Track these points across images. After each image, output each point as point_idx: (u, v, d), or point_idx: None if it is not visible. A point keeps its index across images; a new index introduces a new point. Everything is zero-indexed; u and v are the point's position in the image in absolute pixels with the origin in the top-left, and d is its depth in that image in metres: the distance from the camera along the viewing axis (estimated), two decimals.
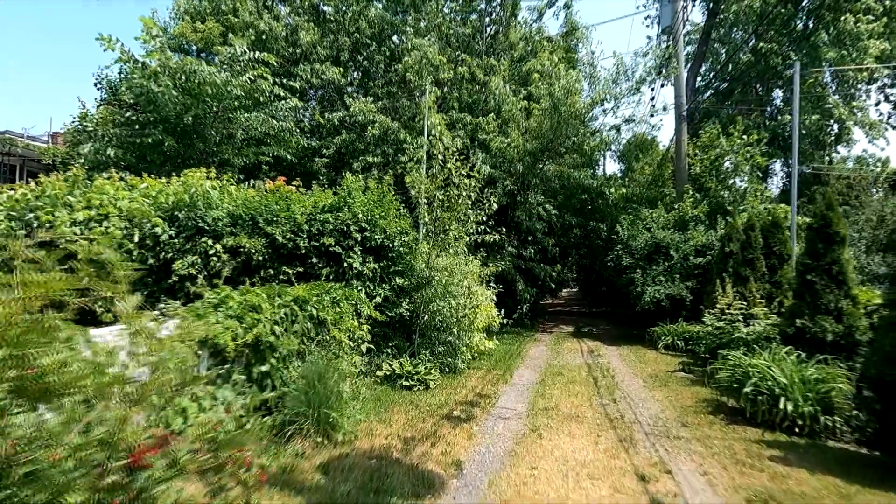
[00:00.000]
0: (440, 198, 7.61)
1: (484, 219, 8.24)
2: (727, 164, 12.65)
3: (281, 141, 11.76)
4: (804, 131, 16.80)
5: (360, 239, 6.93)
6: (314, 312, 5.52)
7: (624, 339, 12.71)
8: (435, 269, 7.54)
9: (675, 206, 12.79)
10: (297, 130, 13.12)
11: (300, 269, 6.77)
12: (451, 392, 6.57)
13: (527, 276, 15.42)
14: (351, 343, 6.15)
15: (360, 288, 6.68)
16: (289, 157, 12.24)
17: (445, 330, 7.87)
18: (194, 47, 16.94)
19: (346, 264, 6.75)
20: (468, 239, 8.34)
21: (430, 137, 9.24)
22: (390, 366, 6.80)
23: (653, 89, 12.62)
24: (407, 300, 7.55)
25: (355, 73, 17.48)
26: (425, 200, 7.53)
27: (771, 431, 5.01)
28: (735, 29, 20.14)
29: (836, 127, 23.00)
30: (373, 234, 6.94)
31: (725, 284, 7.50)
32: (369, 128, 12.40)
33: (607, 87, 11.99)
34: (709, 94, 17.52)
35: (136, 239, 6.30)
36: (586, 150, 13.65)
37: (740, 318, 6.98)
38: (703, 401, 6.15)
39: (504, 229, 14.84)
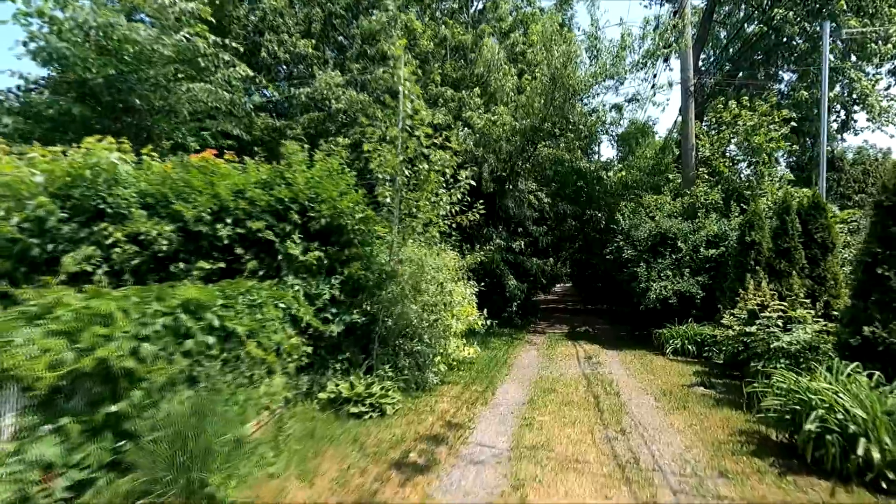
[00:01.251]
0: (407, 174, 6.12)
1: (459, 198, 6.76)
2: (740, 142, 11.24)
3: (232, 116, 10.18)
4: (817, 110, 15.44)
5: (301, 222, 5.43)
6: (219, 322, 4.02)
7: (625, 341, 11.32)
8: (400, 260, 6.06)
9: (687, 192, 11.38)
10: (252, 106, 11.55)
11: (222, 265, 5.24)
12: (412, 420, 5.11)
13: (517, 270, 13.99)
14: (282, 360, 4.67)
15: (297, 287, 5.18)
16: (243, 134, 10.67)
17: (413, 337, 6.40)
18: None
19: (281, 256, 5.25)
20: (442, 225, 6.87)
21: (403, 105, 7.71)
22: (337, 386, 5.32)
23: (654, 65, 11.19)
24: (366, 299, 6.08)
25: (330, 51, 15.89)
26: (388, 177, 6.03)
27: (846, 485, 3.60)
28: (738, 6, 18.73)
29: (842, 113, 21.82)
30: (319, 213, 5.43)
31: (760, 280, 6.07)
32: (333, 102, 10.85)
33: (611, 60, 10.49)
34: (713, 77, 16.08)
35: (13, 222, 4.77)
36: (583, 131, 12.19)
37: (779, 322, 5.56)
38: (740, 433, 4.73)
39: (485, 219, 13.41)
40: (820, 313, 5.70)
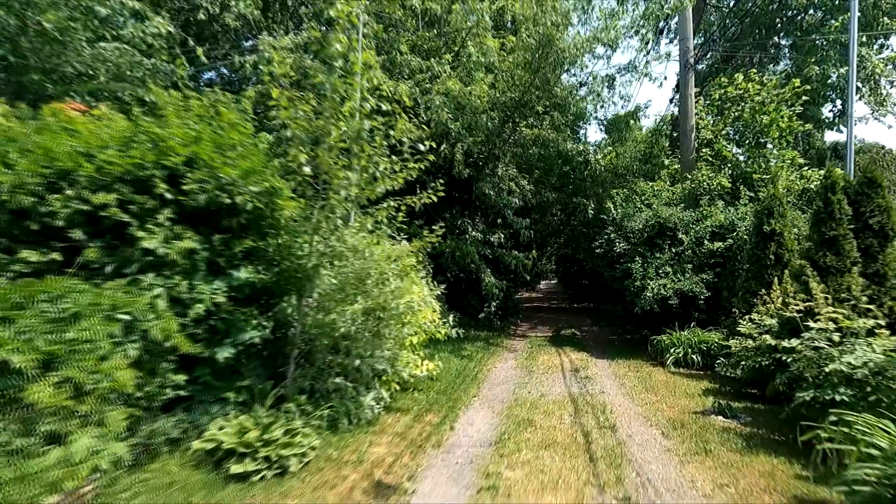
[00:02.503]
0: (334, 135, 4.49)
1: (413, 175, 5.20)
2: (747, 121, 9.88)
3: (145, 83, 8.44)
4: (826, 93, 14.25)
5: (173, 197, 3.80)
6: None
7: (616, 348, 9.90)
8: (328, 252, 4.46)
9: (687, 176, 9.97)
10: (183, 75, 9.81)
11: (56, 256, 3.58)
12: (325, 481, 3.54)
13: (495, 266, 12.48)
14: (103, 404, 3.06)
15: (158, 290, 3.56)
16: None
17: (349, 352, 4.82)
18: None
19: (138, 244, 3.62)
20: (389, 207, 5.32)
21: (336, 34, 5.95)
22: (221, 430, 3.72)
23: (652, 28, 9.72)
24: (279, 305, 4.48)
25: (286, 20, 14.12)
26: (305, 136, 4.38)
27: None
28: None
29: (839, 103, 20.75)
30: (200, 183, 3.81)
31: (809, 281, 4.61)
32: (277, 67, 9.15)
33: (603, 22, 8.96)
34: (713, 52, 14.73)
35: None
36: (570, 107, 10.70)
37: (835, 335, 4.10)
38: (799, 501, 3.27)
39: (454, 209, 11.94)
40: (883, 322, 4.27)
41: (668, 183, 10.43)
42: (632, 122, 14.71)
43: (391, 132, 4.79)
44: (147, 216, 3.73)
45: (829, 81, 15.43)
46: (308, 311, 4.46)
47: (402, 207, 5.46)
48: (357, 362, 4.72)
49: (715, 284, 8.47)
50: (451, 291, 13.26)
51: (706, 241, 8.72)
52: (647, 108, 16.17)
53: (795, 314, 4.46)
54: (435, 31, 12.28)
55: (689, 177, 9.63)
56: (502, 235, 11.98)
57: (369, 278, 4.78)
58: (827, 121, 18.52)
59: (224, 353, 3.76)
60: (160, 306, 3.46)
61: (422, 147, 5.11)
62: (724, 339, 7.22)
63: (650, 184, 10.51)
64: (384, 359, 5.19)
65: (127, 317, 3.26)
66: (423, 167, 5.44)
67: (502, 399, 5.95)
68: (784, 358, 4.42)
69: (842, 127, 22.42)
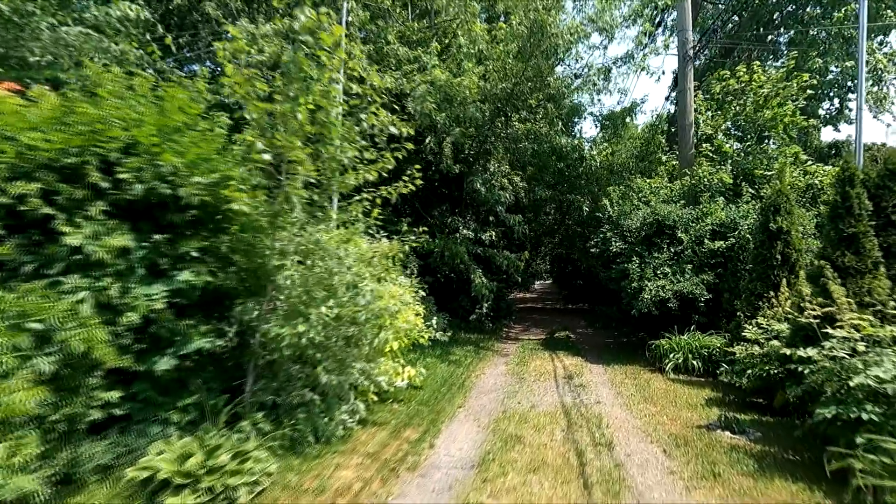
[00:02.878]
0: (300, 118, 3.99)
1: (392, 167, 4.73)
2: (749, 116, 9.47)
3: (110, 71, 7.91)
4: (825, 91, 13.90)
5: (106, 187, 3.30)
6: None
7: (612, 352, 9.46)
8: (285, 249, 3.96)
9: (686, 172, 9.53)
10: (154, 61, 9.29)
11: None
12: None
13: (487, 266, 12.04)
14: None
15: (81, 293, 3.06)
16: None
17: (318, 363, 4.33)
18: None
19: (62, 240, 3.12)
20: (363, 202, 4.85)
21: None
22: (161, 454, 3.22)
23: (650, 15, 9.30)
24: (234, 309, 3.99)
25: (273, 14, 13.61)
26: (258, 118, 3.87)
27: None
28: None
29: (836, 101, 20.43)
30: (136, 172, 3.31)
31: (829, 283, 4.16)
32: (256, 56, 8.65)
33: (599, 6, 8.50)
34: (712, 45, 14.33)
35: None
36: (564, 97, 10.23)
37: (860, 344, 3.65)
38: None
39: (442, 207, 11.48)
40: None
41: (666, 180, 10.00)
42: (628, 118, 14.28)
43: (363, 117, 4.30)
44: (76, 209, 3.23)
45: (828, 79, 15.09)
46: (270, 317, 3.96)
47: (378, 201, 4.97)
48: (325, 376, 4.23)
49: (716, 286, 8.04)
50: (440, 292, 12.81)
51: (706, 240, 8.29)
52: (643, 103, 15.88)
53: (812, 320, 4.01)
54: (425, 21, 11.82)
55: (689, 173, 9.20)
56: (494, 234, 11.53)
57: (339, 279, 4.29)
58: (828, 116, 18.21)
59: (162, 366, 3.26)
60: (84, 313, 2.96)
61: (394, 130, 4.62)
62: (726, 345, 6.78)
63: (648, 181, 10.08)
64: (359, 368, 4.72)
65: (39, 325, 2.77)
66: (401, 156, 4.97)
67: (490, 410, 5.49)
68: (799, 369, 3.98)
69: (839, 126, 22.20)
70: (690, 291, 7.84)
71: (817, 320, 4.02)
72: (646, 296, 7.99)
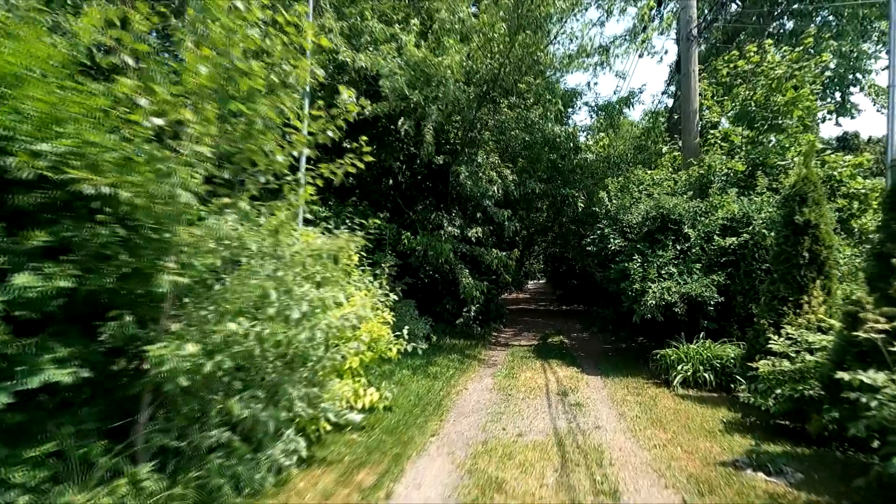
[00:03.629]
0: (191, 58, 2.99)
1: (338, 138, 3.78)
2: (759, 100, 8.60)
3: None
4: (826, 85, 13.11)
5: None
6: None
7: (611, 360, 8.55)
8: (181, 243, 2.99)
9: (693, 162, 8.62)
10: None
11: None
12: None
13: (475, 266, 11.11)
14: None
15: None
16: None
17: (235, 393, 3.36)
18: None
19: None
20: (292, 186, 3.88)
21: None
22: None
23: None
24: (119, 322, 3.01)
25: None
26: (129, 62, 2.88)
27: None
28: None
29: (837, 96, 19.73)
30: None
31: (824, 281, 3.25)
32: None
33: None
34: (708, 33, 13.47)
35: None
36: (557, 84, 9.33)
37: None
38: None
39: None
40: None
41: (669, 171, 9.11)
42: (625, 108, 13.40)
43: (286, 69, 3.33)
44: None
45: (826, 73, 14.29)
46: (167, 335, 2.99)
47: (320, 183, 4.02)
48: (245, 410, 3.26)
49: (726, 288, 7.16)
50: (423, 295, 11.87)
51: (716, 237, 7.40)
52: (641, 93, 14.99)
53: (875, 335, 3.11)
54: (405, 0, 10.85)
55: (695, 162, 8.31)
56: (482, 231, 10.60)
57: (259, 284, 3.31)
58: (829, 111, 17.44)
59: None
60: None
61: (345, 97, 3.67)
62: (744, 356, 5.89)
63: (649, 172, 9.19)
64: (299, 395, 3.76)
65: None
66: (364, 141, 4.03)
67: (468, 440, 4.55)
68: (862, 399, 3.06)
69: (839, 120, 21.49)
70: (700, 294, 6.95)
71: (881, 335, 3.11)
72: (649, 299, 7.08)
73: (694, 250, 7.45)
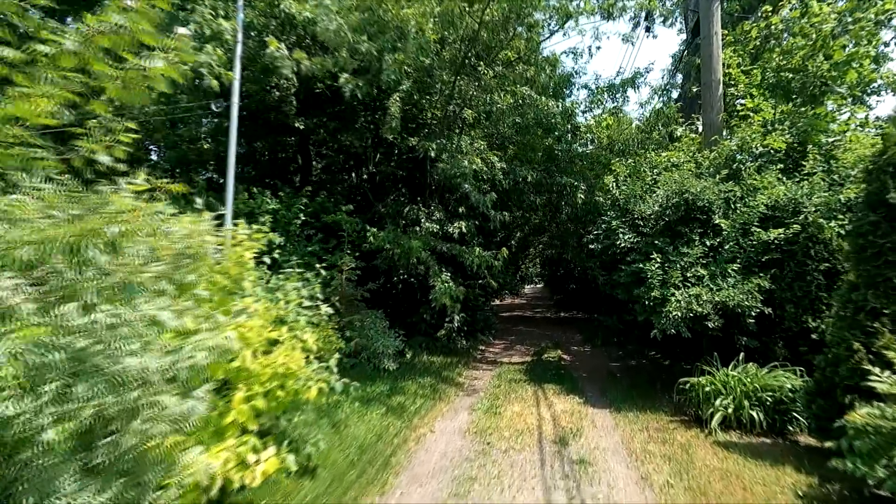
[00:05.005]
0: None
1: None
2: (799, 64, 7.03)
3: None
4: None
5: None
6: None
7: (619, 383, 6.89)
8: None
9: (716, 139, 6.98)
10: None
11: None
12: None
13: (458, 268, 9.45)
14: None
15: None
16: None
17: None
18: None
19: None
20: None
21: None
22: None
23: None
24: None
25: None
26: None
27: None
28: None
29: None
30: None
31: None
32: None
33: None
34: None
35: None
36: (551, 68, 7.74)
37: None
38: None
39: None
40: None
41: (691, 149, 7.48)
42: (630, 90, 11.82)
43: None
44: None
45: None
46: None
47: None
48: None
49: (771, 294, 5.53)
50: (398, 303, 10.21)
51: (755, 229, 5.79)
52: (648, 72, 13.45)
53: None
54: None
55: (728, 139, 6.68)
56: (465, 225, 8.96)
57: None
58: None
59: None
60: None
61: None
62: (810, 388, 4.27)
63: (665, 153, 7.58)
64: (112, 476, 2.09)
65: None
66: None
67: None
68: None
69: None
70: (739, 303, 5.31)
71: None
72: (672, 310, 5.45)
73: (727, 246, 5.83)
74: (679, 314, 5.39)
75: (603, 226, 7.07)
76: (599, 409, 5.66)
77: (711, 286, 5.52)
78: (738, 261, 5.72)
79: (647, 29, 11.87)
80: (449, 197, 10.26)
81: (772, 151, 6.47)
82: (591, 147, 10.55)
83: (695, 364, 5.59)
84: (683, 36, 13.24)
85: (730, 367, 5.25)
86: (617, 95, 11.99)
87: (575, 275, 16.45)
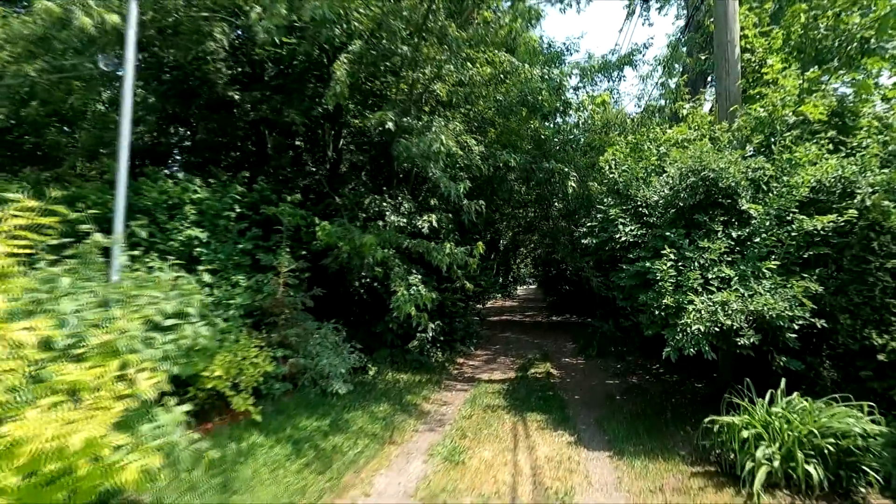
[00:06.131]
0: None
1: None
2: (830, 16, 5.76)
3: None
4: None
5: None
6: None
7: (620, 410, 5.54)
8: None
9: (736, 109, 5.65)
10: None
11: None
12: None
13: (433, 269, 8.07)
14: None
15: None
16: None
17: None
18: None
19: None
20: None
21: None
22: None
23: None
24: None
25: None
26: None
27: None
28: None
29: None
30: None
31: None
32: None
33: None
34: None
35: None
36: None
37: None
38: None
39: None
40: None
41: (702, 126, 6.16)
42: (627, 68, 10.55)
43: None
44: None
45: None
46: None
47: None
48: None
49: (818, 300, 4.21)
50: (362, 310, 8.84)
51: (795, 215, 4.46)
52: (647, 48, 12.21)
53: None
54: None
55: (753, 109, 5.35)
56: (434, 219, 7.61)
57: None
58: None
59: None
60: None
61: None
62: (891, 433, 2.95)
63: (674, 128, 6.26)
64: None
65: None
66: None
67: None
68: None
69: None
70: (780, 314, 3.97)
71: None
72: (692, 322, 4.11)
73: (759, 239, 4.50)
74: (701, 328, 4.06)
75: (598, 216, 5.73)
76: (596, 452, 4.32)
77: (742, 290, 4.19)
78: (775, 256, 4.39)
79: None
80: (420, 188, 8.90)
81: (808, 122, 5.15)
82: (583, 128, 9.21)
83: (710, 382, 4.28)
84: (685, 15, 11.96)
85: (766, 399, 3.93)
86: (613, 74, 10.69)
87: (567, 275, 15.17)
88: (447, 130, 7.82)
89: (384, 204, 7.78)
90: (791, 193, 4.49)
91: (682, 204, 4.86)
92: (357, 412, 5.47)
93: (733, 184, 4.64)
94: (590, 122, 9.34)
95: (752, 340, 4.00)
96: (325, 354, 6.17)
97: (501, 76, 8.19)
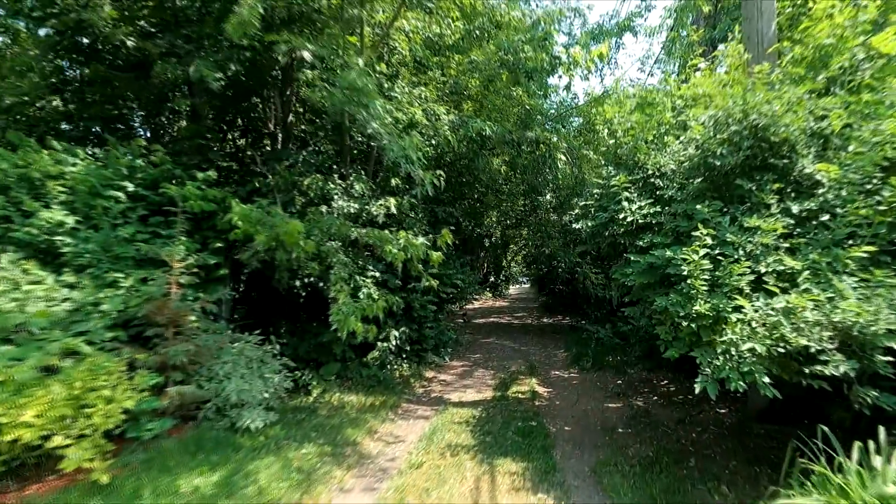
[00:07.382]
0: None
1: None
2: None
3: None
4: None
5: None
6: None
7: (623, 454, 4.06)
8: None
9: (780, 50, 4.22)
10: None
11: None
12: None
13: (391, 264, 6.57)
14: None
15: None
16: None
17: None
18: None
19: None
20: None
21: None
22: None
23: None
24: None
25: None
26: None
27: None
28: None
29: None
30: None
31: None
32: None
33: None
34: None
35: None
36: None
37: None
38: None
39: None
40: None
41: (733, 72, 4.71)
42: (627, 35, 9.12)
43: None
44: None
45: None
46: None
47: None
48: None
49: None
50: (310, 315, 7.36)
51: (886, 181, 3.02)
52: (649, 11, 10.89)
53: None
54: None
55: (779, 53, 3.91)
56: (393, 204, 6.13)
57: None
58: None
59: None
60: None
61: None
62: None
63: (693, 79, 4.81)
64: None
65: None
66: None
67: None
68: None
69: None
70: (887, 330, 2.52)
71: None
72: (739, 338, 2.65)
73: (831, 216, 3.06)
74: (757, 349, 2.61)
75: (595, 191, 4.27)
76: None
77: (816, 291, 2.74)
78: (859, 241, 2.96)
79: None
80: (381, 168, 7.41)
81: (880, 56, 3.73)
82: (574, 103, 7.76)
83: (733, 403, 2.83)
84: None
85: (853, 457, 2.49)
86: (611, 42, 9.24)
87: (559, 272, 13.77)
88: (411, 95, 6.37)
89: (330, 185, 6.29)
90: (876, 150, 3.05)
91: (717, 166, 3.40)
92: (269, 458, 3.99)
93: (791, 140, 3.18)
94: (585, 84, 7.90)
95: (843, 370, 2.56)
96: (236, 377, 4.67)
97: (477, 32, 6.72)
